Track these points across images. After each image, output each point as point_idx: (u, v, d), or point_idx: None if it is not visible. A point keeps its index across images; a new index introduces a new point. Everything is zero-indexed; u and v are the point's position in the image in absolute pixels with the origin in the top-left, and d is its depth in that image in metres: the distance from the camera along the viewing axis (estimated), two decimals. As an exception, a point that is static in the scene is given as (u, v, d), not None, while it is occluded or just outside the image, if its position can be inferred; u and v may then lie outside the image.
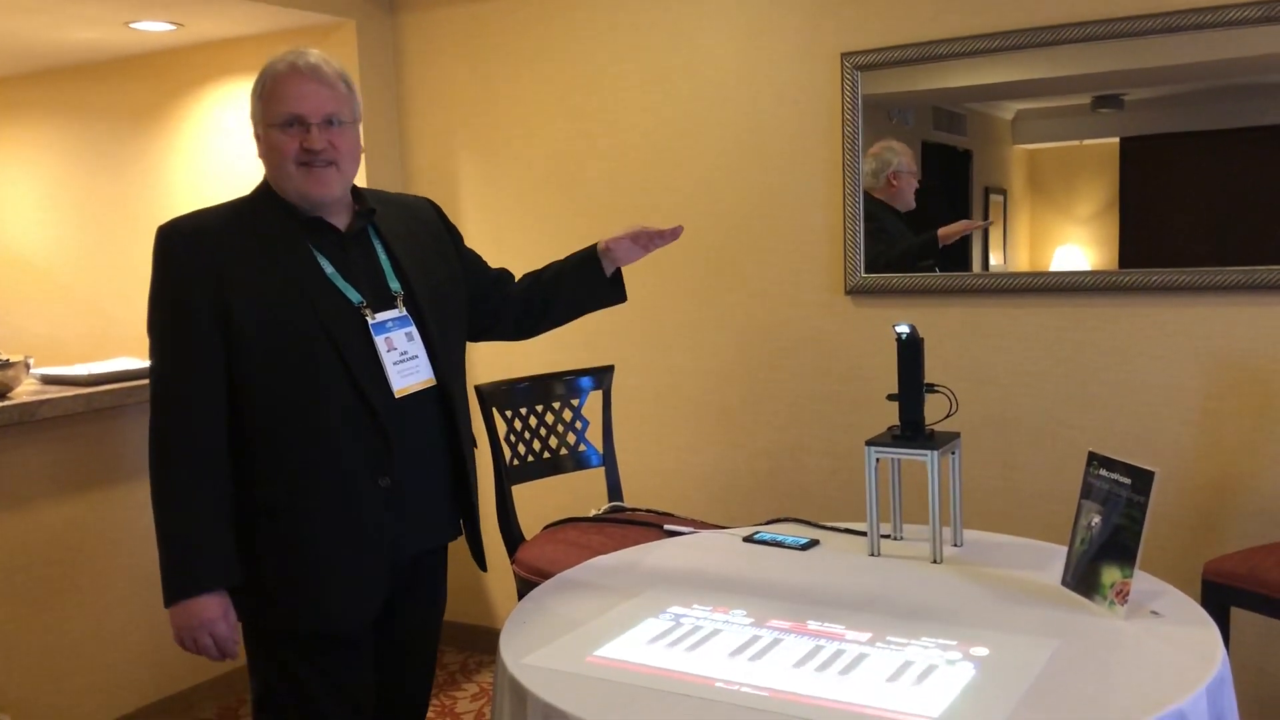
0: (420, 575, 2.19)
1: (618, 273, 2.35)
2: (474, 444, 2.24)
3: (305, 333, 1.95)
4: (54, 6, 3.55)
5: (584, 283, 2.34)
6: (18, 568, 3.13)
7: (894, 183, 3.19)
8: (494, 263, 2.42)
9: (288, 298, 1.96)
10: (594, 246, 2.32)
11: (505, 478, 3.02)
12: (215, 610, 1.96)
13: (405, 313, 2.07)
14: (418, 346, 2.07)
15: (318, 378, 1.94)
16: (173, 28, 3.89)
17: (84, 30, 3.92)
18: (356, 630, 2.06)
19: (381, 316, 2.03)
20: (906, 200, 3.22)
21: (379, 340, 2.01)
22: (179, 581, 1.96)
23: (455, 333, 2.21)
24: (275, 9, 3.62)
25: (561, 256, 2.20)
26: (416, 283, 2.11)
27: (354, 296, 2.01)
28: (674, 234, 2.30)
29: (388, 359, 2.01)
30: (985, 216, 3.13)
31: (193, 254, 1.95)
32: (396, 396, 2.01)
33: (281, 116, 1.97)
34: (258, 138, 2.03)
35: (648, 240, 2.30)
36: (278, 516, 1.97)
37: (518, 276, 2.42)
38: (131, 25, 3.84)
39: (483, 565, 2.28)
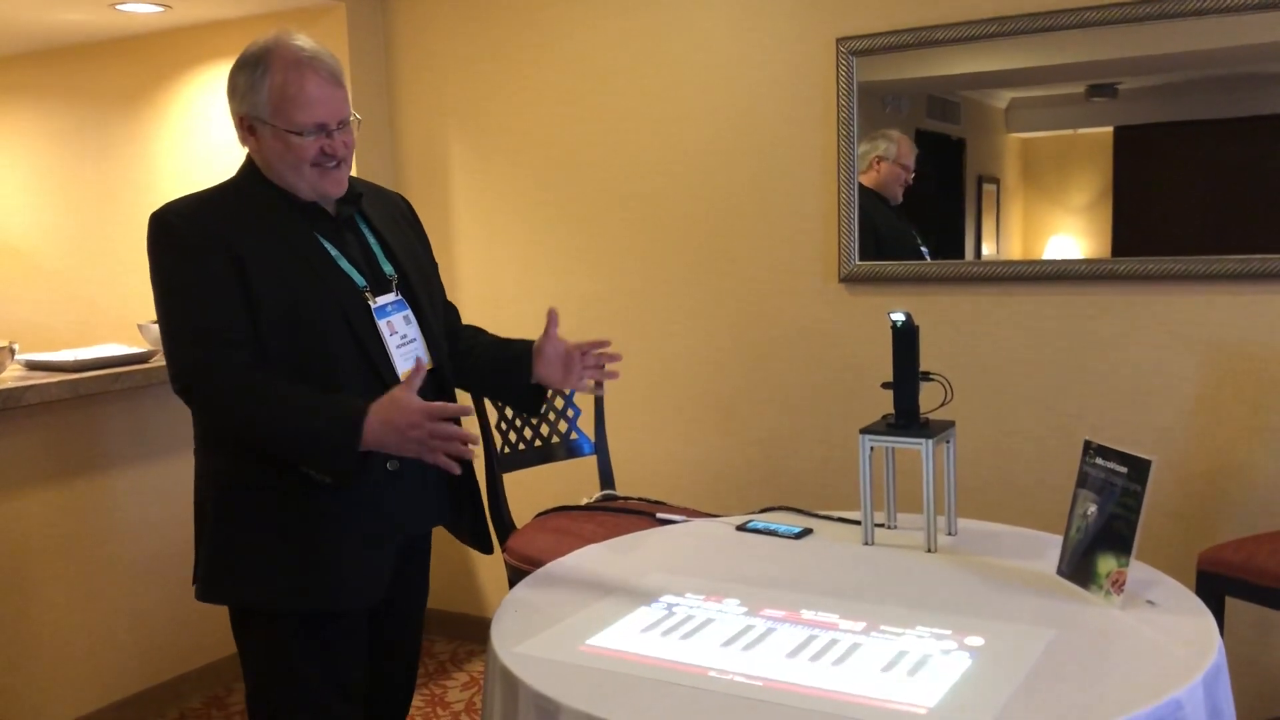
0: (410, 559, 2.18)
1: (541, 388, 2.19)
2: None
3: (323, 315, 1.94)
4: (39, -13, 3.52)
5: (507, 373, 2.20)
6: (3, 555, 3.10)
7: (877, 166, 3.18)
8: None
9: (304, 278, 1.94)
10: (531, 345, 2.18)
11: (496, 465, 3.01)
12: (392, 421, 1.83)
13: (401, 296, 2.07)
14: (415, 330, 2.08)
15: (334, 360, 1.93)
16: (160, 10, 3.85)
17: (70, 12, 3.88)
18: (357, 613, 2.04)
19: (381, 300, 2.03)
20: (892, 191, 3.20)
21: (381, 324, 2.01)
22: (346, 432, 1.83)
23: (441, 317, 2.21)
24: (264, -9, 3.59)
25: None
26: (407, 266, 2.11)
27: (359, 280, 2.00)
28: (609, 373, 2.14)
29: (390, 342, 2.01)
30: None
31: (200, 233, 1.91)
32: (401, 379, 1.99)
33: (306, 126, 1.92)
34: (251, 130, 1.97)
35: (574, 368, 2.13)
36: (286, 498, 1.95)
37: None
38: (118, 7, 3.80)
39: (488, 548, 2.25)
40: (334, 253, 2.00)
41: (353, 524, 1.97)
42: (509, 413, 3.11)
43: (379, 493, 1.99)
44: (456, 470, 1.89)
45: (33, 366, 3.27)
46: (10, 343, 3.14)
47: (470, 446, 1.87)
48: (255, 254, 1.92)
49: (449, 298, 2.35)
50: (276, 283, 1.91)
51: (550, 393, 3.09)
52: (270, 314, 1.91)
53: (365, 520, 1.98)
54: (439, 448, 1.84)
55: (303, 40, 1.97)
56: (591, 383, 2.16)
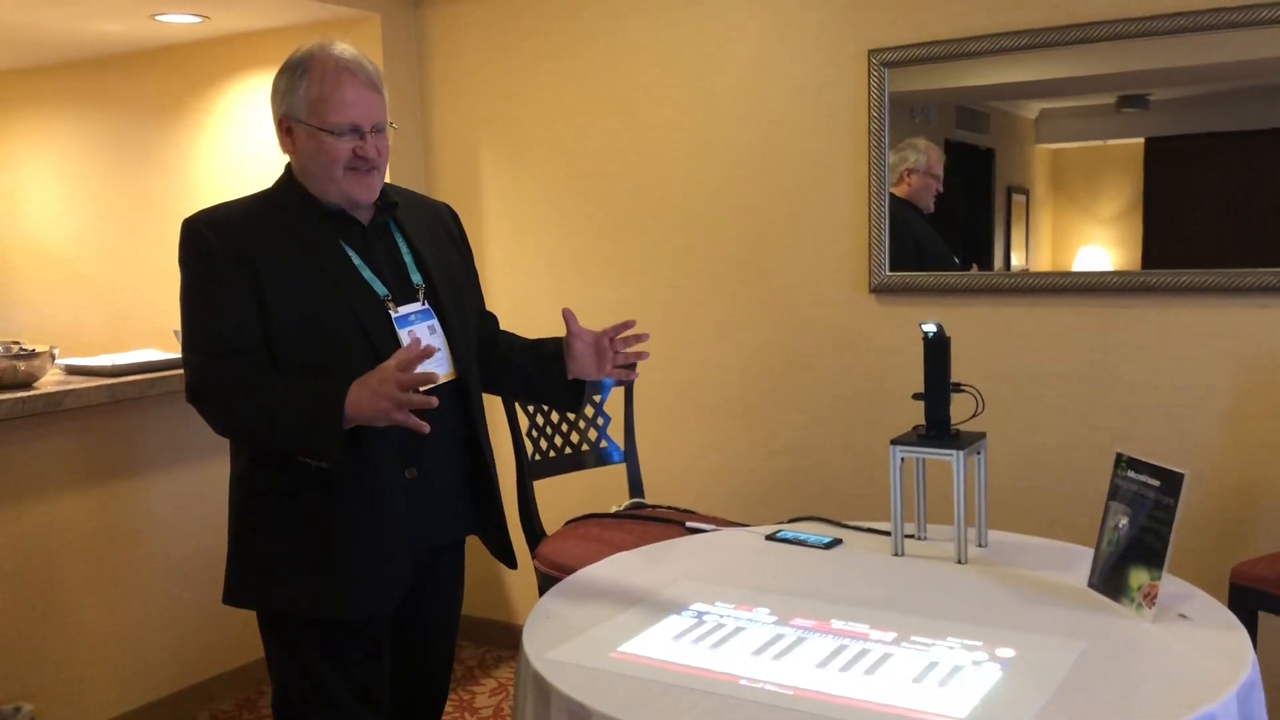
0: (440, 568, 2.19)
1: (580, 382, 2.19)
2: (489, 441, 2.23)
3: (338, 323, 1.96)
4: (81, -2, 3.58)
5: (544, 373, 2.20)
6: (41, 556, 3.15)
7: (908, 178, 3.18)
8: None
9: (320, 288, 1.96)
10: (562, 343, 2.17)
11: (527, 473, 3.03)
12: (367, 382, 1.84)
13: (427, 305, 2.08)
14: (439, 340, 2.08)
15: (350, 368, 1.93)
16: (197, 20, 3.90)
17: (109, 22, 3.94)
18: (376, 621, 2.06)
19: (404, 310, 2.04)
20: (923, 201, 3.20)
21: (403, 333, 2.02)
22: (329, 408, 1.84)
23: (471, 328, 2.21)
24: (301, 1, 3.62)
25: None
26: (437, 277, 2.12)
27: (380, 289, 2.02)
28: (637, 355, 2.13)
29: None
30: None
31: (224, 242, 1.95)
32: (421, 390, 2.01)
33: (339, 125, 1.95)
34: (288, 131, 2.01)
35: (606, 356, 2.12)
36: (303, 504, 1.97)
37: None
38: (157, 17, 3.85)
39: (512, 563, 2.25)
40: (357, 261, 2.01)
41: (367, 532, 1.98)
42: (540, 420, 3.13)
43: (395, 502, 2.00)
44: (425, 428, 1.85)
45: (71, 371, 3.32)
46: (50, 347, 3.18)
47: (430, 398, 1.84)
48: (273, 262, 1.94)
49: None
50: (291, 291, 1.94)
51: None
52: (284, 322, 1.93)
53: (380, 529, 1.99)
54: (406, 401, 1.81)
55: (344, 47, 2.00)
56: (625, 368, 2.14)
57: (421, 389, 1.89)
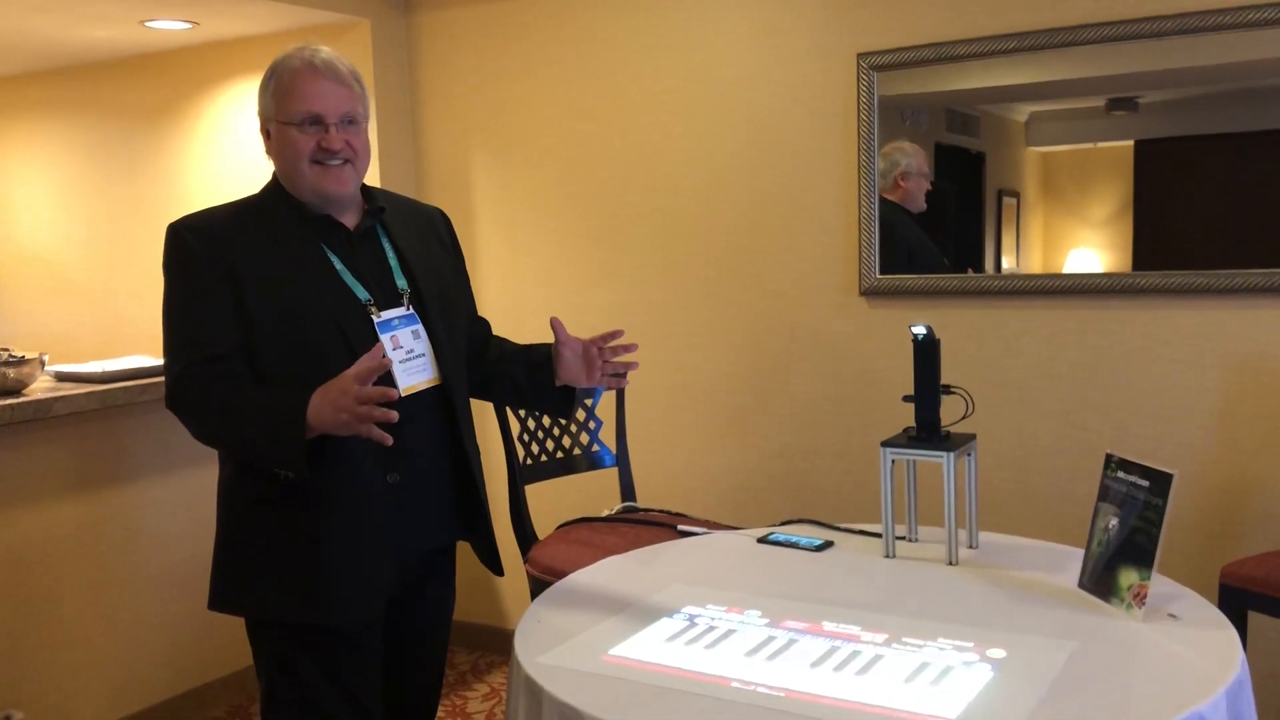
0: (429, 574, 2.19)
1: (570, 389, 2.20)
2: (477, 447, 2.22)
3: (317, 328, 1.96)
4: (70, 5, 3.57)
5: (534, 380, 2.21)
6: (31, 563, 3.14)
7: (902, 183, 3.19)
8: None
9: (299, 293, 1.96)
10: (550, 350, 2.17)
11: (519, 477, 3.03)
12: (326, 392, 1.83)
13: (411, 311, 2.07)
14: (424, 345, 2.08)
15: (330, 373, 1.92)
16: (188, 26, 3.90)
17: (100, 29, 3.93)
18: (360, 626, 2.05)
19: (387, 314, 2.03)
20: (917, 202, 3.21)
21: (384, 338, 2.01)
22: (290, 421, 1.84)
23: (460, 333, 2.20)
24: (290, 8, 3.63)
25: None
26: (424, 282, 2.11)
27: (361, 294, 2.02)
28: (625, 365, 2.13)
29: (393, 357, 2.01)
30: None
31: (205, 248, 1.96)
32: (402, 394, 2.00)
33: (299, 115, 1.97)
34: (267, 134, 2.03)
35: (595, 364, 2.12)
36: (286, 509, 1.97)
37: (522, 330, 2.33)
38: (147, 24, 3.85)
39: (498, 570, 2.24)
40: (339, 266, 2.01)
41: (349, 537, 1.98)
42: (531, 424, 3.13)
43: (376, 506, 2.00)
44: (388, 441, 1.82)
45: (61, 378, 3.31)
46: (40, 354, 3.18)
47: (391, 410, 1.81)
48: (253, 267, 1.95)
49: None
50: (271, 296, 1.94)
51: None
52: (263, 327, 1.94)
53: (362, 534, 1.98)
54: (365, 415, 1.80)
55: (317, 49, 2.01)
56: (615, 376, 2.14)
57: (403, 392, 1.88)
